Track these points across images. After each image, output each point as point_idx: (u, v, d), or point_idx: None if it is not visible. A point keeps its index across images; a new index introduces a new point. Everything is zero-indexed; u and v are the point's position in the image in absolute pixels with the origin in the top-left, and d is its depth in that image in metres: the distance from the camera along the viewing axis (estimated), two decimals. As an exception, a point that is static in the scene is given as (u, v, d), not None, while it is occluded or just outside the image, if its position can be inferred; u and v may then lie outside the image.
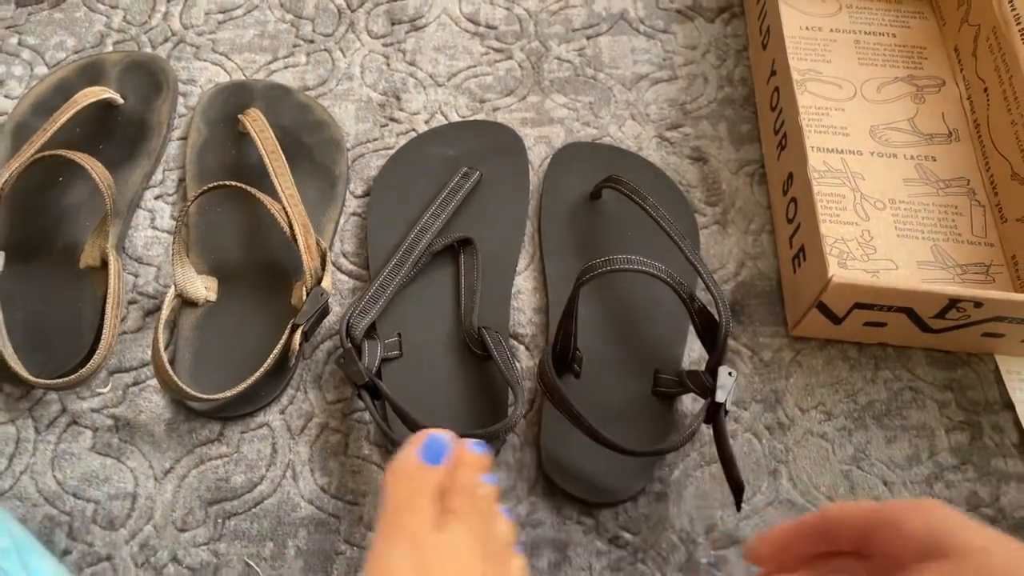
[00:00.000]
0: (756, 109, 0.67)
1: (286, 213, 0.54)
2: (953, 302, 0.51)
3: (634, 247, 0.59)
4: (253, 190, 0.53)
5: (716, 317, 0.50)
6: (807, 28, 0.71)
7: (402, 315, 0.55)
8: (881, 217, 0.61)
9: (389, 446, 0.52)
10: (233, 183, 0.53)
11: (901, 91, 0.67)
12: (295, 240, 0.53)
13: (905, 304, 0.52)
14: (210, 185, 0.53)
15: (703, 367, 0.52)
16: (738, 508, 0.47)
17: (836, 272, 0.50)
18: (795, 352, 0.56)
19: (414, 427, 0.48)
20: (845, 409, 0.54)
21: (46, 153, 0.54)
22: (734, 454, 0.47)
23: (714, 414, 0.49)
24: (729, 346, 0.56)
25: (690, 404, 0.54)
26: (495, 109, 0.66)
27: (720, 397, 0.48)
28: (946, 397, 0.55)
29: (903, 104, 0.67)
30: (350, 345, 0.50)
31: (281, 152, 0.57)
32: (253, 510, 0.50)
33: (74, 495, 0.50)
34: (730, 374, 0.49)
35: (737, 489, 0.47)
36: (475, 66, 0.68)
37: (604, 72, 0.68)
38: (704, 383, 0.50)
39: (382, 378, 0.52)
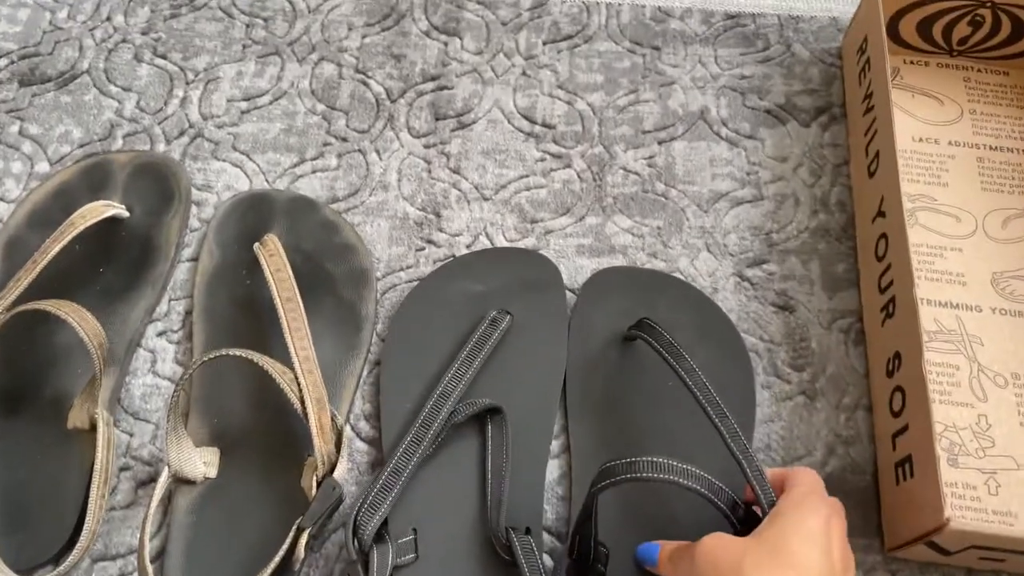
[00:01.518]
0: (855, 243, 0.57)
1: (298, 384, 0.46)
2: (1097, 554, 0.41)
3: (675, 404, 0.50)
4: (261, 359, 0.46)
5: None
6: (921, 139, 0.60)
7: (418, 504, 0.48)
8: (1002, 397, 0.51)
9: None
10: (237, 352, 0.46)
11: (1031, 228, 0.57)
12: (307, 419, 0.46)
13: (1035, 552, 0.43)
14: (210, 355, 0.46)
15: None
16: None
17: (954, 516, 0.41)
18: (891, 574, 0.47)
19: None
20: (948, 655, 0.45)
21: (27, 307, 0.47)
22: None
23: None
24: (811, 563, 0.47)
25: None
26: (547, 232, 0.57)
27: None
28: (1071, 641, 0.46)
29: (1033, 245, 0.56)
30: (356, 557, 0.43)
31: (299, 299, 0.50)
32: None
33: None
34: None
35: None
36: (527, 176, 0.59)
37: (677, 188, 0.59)
38: None
39: (397, 587, 0.45)
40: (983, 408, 0.51)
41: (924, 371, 0.45)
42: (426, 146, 0.60)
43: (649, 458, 0.40)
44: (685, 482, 0.40)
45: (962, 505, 0.48)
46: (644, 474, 0.40)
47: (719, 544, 0.39)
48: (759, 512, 0.42)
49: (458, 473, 0.49)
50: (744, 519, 0.43)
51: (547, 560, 0.47)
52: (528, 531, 0.46)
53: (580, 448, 0.50)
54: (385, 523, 0.46)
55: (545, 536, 0.48)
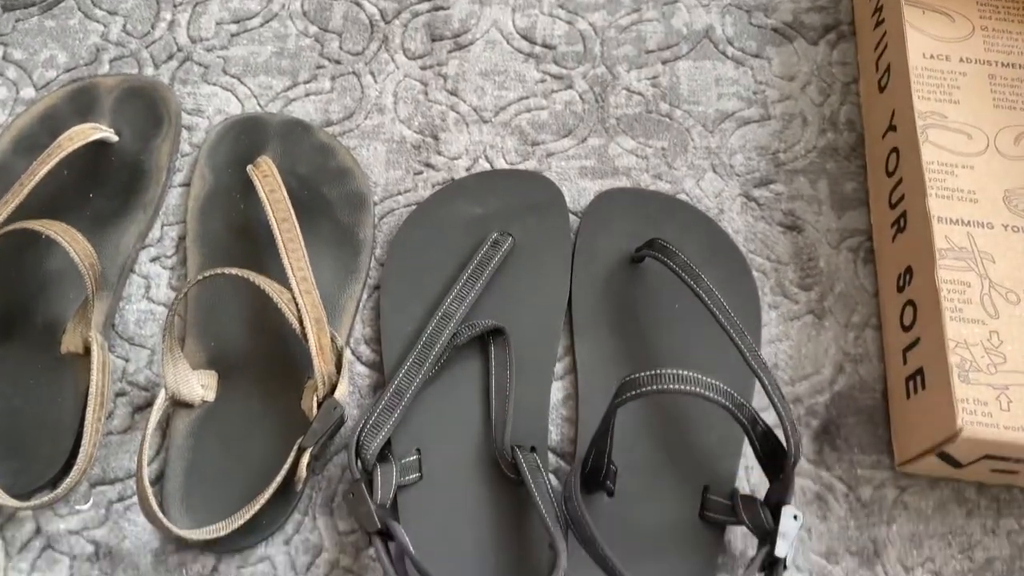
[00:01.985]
0: (864, 162, 0.55)
1: (296, 304, 0.45)
2: (1113, 463, 0.41)
3: (682, 325, 0.50)
4: (257, 279, 0.45)
5: (783, 443, 0.41)
6: (932, 56, 0.58)
7: (422, 425, 0.47)
8: (1013, 314, 0.50)
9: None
10: (233, 271, 0.44)
11: (1045, 144, 0.55)
12: (306, 339, 0.45)
13: (1050, 461, 0.42)
14: (205, 274, 0.44)
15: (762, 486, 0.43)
16: None
17: (966, 425, 0.40)
18: (900, 490, 0.47)
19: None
20: (959, 568, 0.45)
21: (15, 227, 0.46)
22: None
23: (771, 569, 0.40)
24: (822, 479, 0.47)
25: (744, 537, 0.45)
26: (549, 154, 0.56)
27: (781, 551, 0.40)
28: (1083, 554, 0.45)
29: (1047, 162, 0.55)
30: (360, 476, 0.42)
31: (295, 219, 0.48)
32: (250, 662, 0.43)
33: (47, 636, 0.44)
34: (795, 517, 0.40)
35: None
36: (528, 97, 0.57)
37: (682, 108, 0.57)
38: (762, 520, 0.41)
39: (399, 507, 0.45)
40: (994, 325, 0.50)
41: (937, 281, 0.44)
42: (422, 68, 0.58)
43: (674, 370, 0.39)
44: (710, 394, 0.39)
45: (974, 421, 0.46)
46: (669, 386, 0.39)
47: None
48: (781, 438, 0.41)
49: (461, 394, 0.48)
50: (764, 446, 0.42)
51: (552, 479, 0.46)
52: (533, 450, 0.46)
53: (586, 368, 0.49)
54: (388, 444, 0.46)
55: (551, 457, 0.47)
